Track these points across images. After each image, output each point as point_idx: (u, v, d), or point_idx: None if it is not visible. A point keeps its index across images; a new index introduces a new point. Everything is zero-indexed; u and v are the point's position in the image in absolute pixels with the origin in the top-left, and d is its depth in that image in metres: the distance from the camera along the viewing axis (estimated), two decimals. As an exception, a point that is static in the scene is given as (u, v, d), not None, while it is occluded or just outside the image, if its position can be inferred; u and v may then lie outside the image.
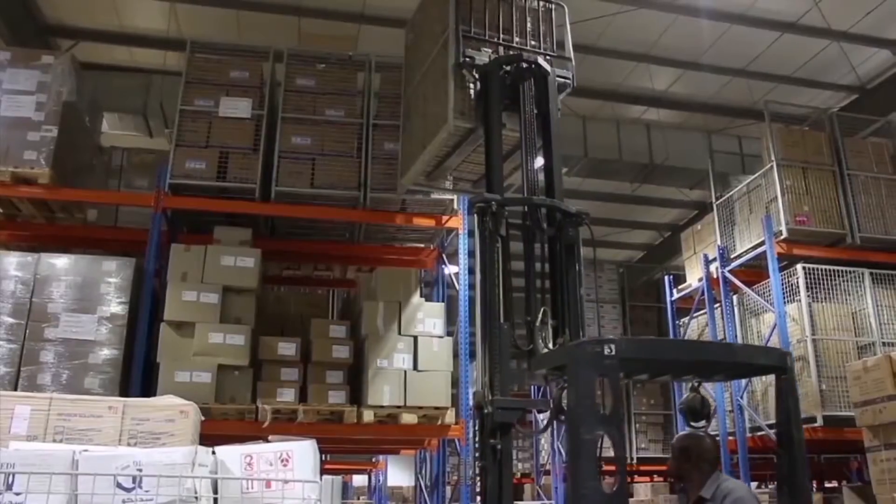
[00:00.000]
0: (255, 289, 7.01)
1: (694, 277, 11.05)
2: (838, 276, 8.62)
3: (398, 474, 20.79)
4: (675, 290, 11.40)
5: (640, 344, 4.19)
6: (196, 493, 2.91)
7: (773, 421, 8.45)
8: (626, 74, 11.98)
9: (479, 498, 3.92)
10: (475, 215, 4.18)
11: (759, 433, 8.47)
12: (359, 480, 21.37)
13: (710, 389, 9.41)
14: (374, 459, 16.30)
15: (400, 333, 7.13)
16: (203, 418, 4.20)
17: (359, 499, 20.76)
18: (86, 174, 7.97)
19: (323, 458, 12.16)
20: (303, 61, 7.83)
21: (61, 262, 6.72)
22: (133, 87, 10.85)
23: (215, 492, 2.96)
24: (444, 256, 8.45)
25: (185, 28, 10.53)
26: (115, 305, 6.63)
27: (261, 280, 7.27)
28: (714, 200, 10.50)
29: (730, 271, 9.58)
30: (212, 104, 7.45)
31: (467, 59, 4.73)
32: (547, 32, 5.21)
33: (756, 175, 9.60)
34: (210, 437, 4.12)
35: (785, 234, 8.66)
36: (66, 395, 4.64)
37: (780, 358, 3.42)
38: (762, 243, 8.84)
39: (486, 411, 3.81)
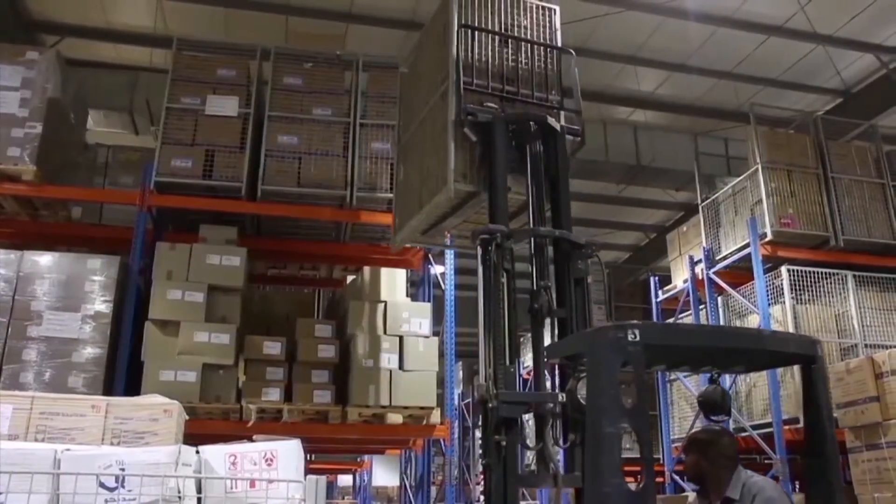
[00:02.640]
0: (241, 288, 6.98)
1: (679, 279, 11.10)
2: (822, 278, 8.68)
3: (383, 474, 20.79)
4: (660, 291, 11.45)
5: (666, 329, 3.94)
6: (180, 492, 2.90)
7: (757, 422, 8.51)
8: (614, 76, 12.02)
9: (482, 498, 3.82)
10: (478, 247, 3.91)
11: (743, 434, 8.51)
12: (344, 480, 21.37)
13: (695, 392, 9.46)
14: (359, 459, 16.31)
15: (386, 333, 7.13)
16: (187, 417, 4.18)
17: (344, 498, 20.75)
18: (71, 171, 7.92)
19: (308, 457, 12.13)
20: (290, 60, 7.80)
21: (45, 259, 6.67)
22: (119, 84, 10.81)
23: (199, 491, 2.95)
24: (431, 256, 8.44)
25: (172, 25, 10.48)
26: (100, 304, 6.59)
27: (246, 279, 7.25)
28: (700, 202, 10.55)
29: (715, 273, 9.63)
30: (198, 102, 7.41)
31: (469, 117, 4.29)
32: (554, 81, 4.77)
33: (741, 177, 9.66)
34: (195, 436, 4.09)
35: (770, 237, 8.71)
36: (48, 393, 4.61)
37: (810, 346, 3.20)
38: (747, 245, 8.89)
39: (490, 406, 3.61)
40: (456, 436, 9.16)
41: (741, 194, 9.57)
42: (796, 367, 7.83)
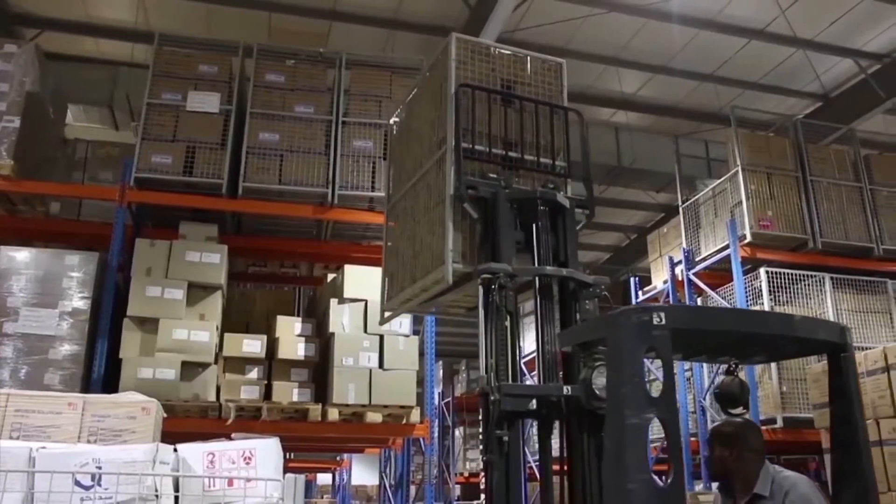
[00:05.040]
0: (221, 285, 6.95)
1: (659, 279, 11.16)
2: (800, 279, 8.75)
3: (362, 473, 20.76)
4: (640, 292, 11.51)
5: (693, 312, 3.71)
6: (157, 491, 2.88)
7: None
8: (596, 77, 12.07)
9: (482, 496, 3.63)
10: (479, 287, 3.69)
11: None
12: (323, 479, 21.30)
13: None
14: (338, 458, 16.28)
15: (366, 332, 7.11)
16: (166, 415, 4.16)
17: (323, 497, 20.69)
18: (49, 166, 7.85)
19: (287, 456, 12.11)
20: (273, 57, 7.78)
21: (22, 255, 6.59)
22: (99, 78, 10.72)
23: (176, 490, 2.93)
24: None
25: (154, 20, 10.40)
26: (78, 300, 6.53)
27: (226, 276, 7.21)
28: (680, 203, 10.61)
29: (694, 274, 9.69)
30: (179, 98, 7.36)
31: (470, 191, 3.93)
32: (561, 144, 4.42)
33: (722, 179, 9.72)
34: (173, 434, 4.07)
35: (749, 238, 8.77)
36: (24, 391, 4.57)
37: (840, 333, 3.04)
38: (727, 247, 8.95)
39: (492, 398, 3.45)
40: (435, 435, 9.16)
41: (721, 196, 9.64)
42: (773, 366, 8.00)
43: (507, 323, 3.62)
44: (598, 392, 3.29)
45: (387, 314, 5.00)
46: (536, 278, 3.82)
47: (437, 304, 4.38)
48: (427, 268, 4.19)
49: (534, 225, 3.93)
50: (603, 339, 3.05)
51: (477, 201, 3.96)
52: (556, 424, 3.64)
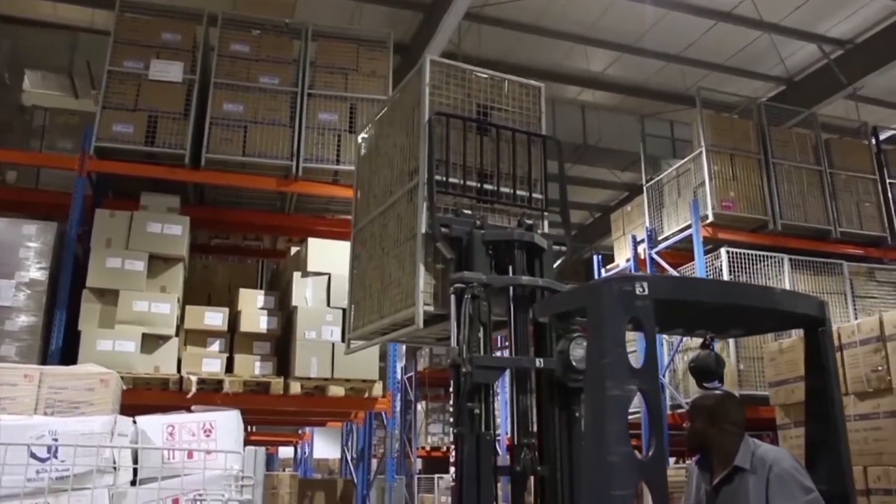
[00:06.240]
0: (183, 257, 6.87)
1: (622, 258, 11.27)
2: (759, 260, 8.90)
3: (324, 446, 20.78)
4: (603, 270, 11.61)
5: (676, 283, 3.64)
6: (115, 463, 2.86)
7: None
8: (564, 55, 12.06)
9: (452, 469, 3.46)
10: (452, 296, 3.59)
11: (679, 410, 8.72)
12: (285, 452, 21.31)
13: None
14: (300, 431, 16.28)
15: (329, 306, 7.09)
16: (125, 388, 4.12)
17: (284, 470, 20.69)
18: (5, 134, 7.69)
19: (249, 429, 12.10)
20: (238, 26, 7.64)
21: (-23, 223, 6.47)
22: (58, 44, 10.41)
23: (135, 462, 2.91)
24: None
25: (115, -15, 10.15)
26: (35, 271, 6.42)
27: (189, 248, 7.13)
28: (644, 183, 10.70)
29: (657, 252, 9.81)
30: (141, 66, 7.22)
31: (443, 229, 3.74)
32: (539, 175, 4.27)
33: (686, 160, 9.82)
34: (133, 407, 4.04)
35: (711, 219, 8.89)
36: (-21, 361, 4.49)
37: (818, 308, 3.01)
38: (689, 226, 9.07)
39: (463, 370, 3.40)
40: (397, 409, 9.20)
41: (685, 176, 9.74)
42: (731, 344, 8.15)
43: (482, 335, 3.54)
44: (575, 364, 3.27)
45: (353, 344, 4.85)
46: (511, 288, 3.73)
47: (405, 335, 4.24)
48: (396, 305, 4.03)
49: (510, 266, 3.77)
50: (581, 310, 2.98)
51: (450, 241, 3.78)
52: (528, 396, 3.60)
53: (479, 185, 4.08)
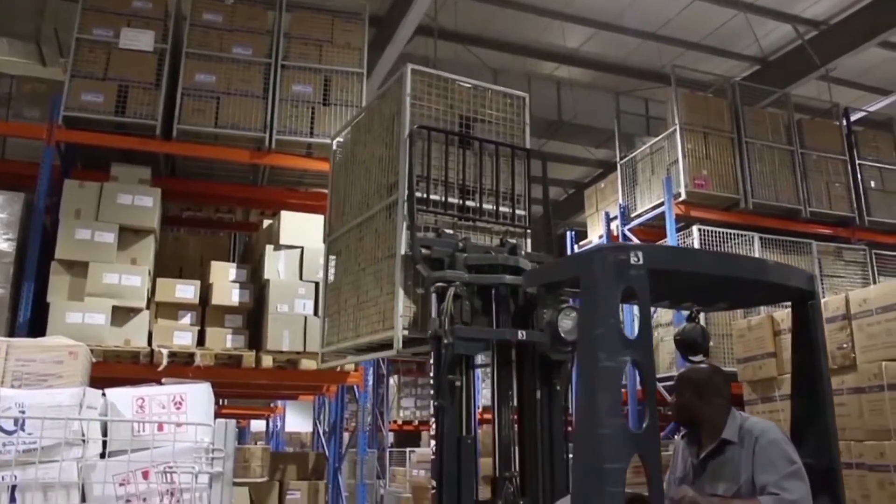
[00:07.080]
0: (154, 229, 6.80)
1: (595, 234, 11.32)
2: (731, 238, 8.98)
3: (296, 420, 20.80)
4: (576, 246, 11.65)
5: (671, 253, 3.64)
6: (84, 435, 2.84)
7: (662, 374, 8.81)
8: (541, 30, 12.02)
9: (433, 442, 3.45)
10: (432, 295, 3.52)
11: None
12: (257, 426, 21.29)
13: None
14: (272, 405, 16.26)
15: (301, 279, 7.07)
16: (95, 360, 4.09)
17: (256, 444, 20.69)
18: (-30, 101, 7.51)
19: (220, 402, 12.06)
20: (211, -5, 7.53)
21: (-58, 193, 6.35)
22: (24, 9, 10.16)
23: (105, 435, 2.89)
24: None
25: (84, -49, 9.92)
26: (2, 242, 6.33)
27: (160, 220, 7.06)
28: (618, 160, 10.73)
29: (629, 229, 9.87)
30: (111, 34, 7.09)
31: (423, 250, 3.64)
32: (522, 190, 4.16)
33: (659, 137, 9.86)
34: (103, 380, 4.01)
35: (683, 196, 8.96)
36: (-55, 332, 4.43)
37: (808, 281, 2.98)
38: (662, 204, 9.13)
39: (444, 342, 3.36)
40: (370, 383, 9.22)
41: (658, 154, 9.78)
42: (702, 320, 8.22)
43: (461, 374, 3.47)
44: (564, 336, 3.26)
45: (326, 360, 4.79)
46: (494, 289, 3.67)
47: (382, 356, 4.25)
48: (374, 326, 3.93)
49: (492, 291, 3.67)
50: (573, 280, 2.92)
51: (431, 262, 3.66)
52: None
53: (460, 201, 3.99)
